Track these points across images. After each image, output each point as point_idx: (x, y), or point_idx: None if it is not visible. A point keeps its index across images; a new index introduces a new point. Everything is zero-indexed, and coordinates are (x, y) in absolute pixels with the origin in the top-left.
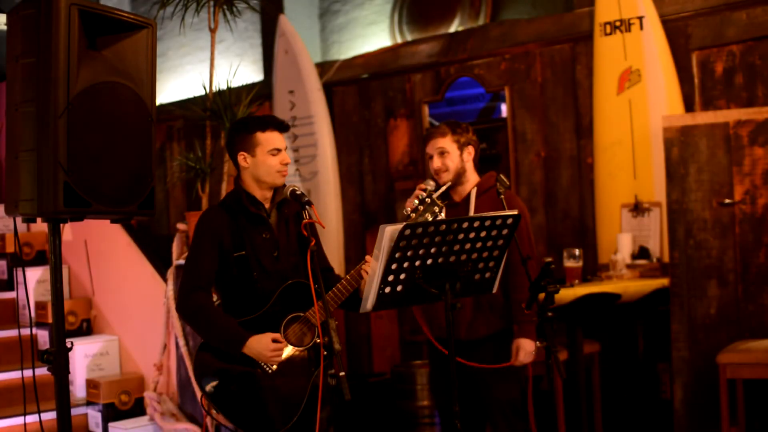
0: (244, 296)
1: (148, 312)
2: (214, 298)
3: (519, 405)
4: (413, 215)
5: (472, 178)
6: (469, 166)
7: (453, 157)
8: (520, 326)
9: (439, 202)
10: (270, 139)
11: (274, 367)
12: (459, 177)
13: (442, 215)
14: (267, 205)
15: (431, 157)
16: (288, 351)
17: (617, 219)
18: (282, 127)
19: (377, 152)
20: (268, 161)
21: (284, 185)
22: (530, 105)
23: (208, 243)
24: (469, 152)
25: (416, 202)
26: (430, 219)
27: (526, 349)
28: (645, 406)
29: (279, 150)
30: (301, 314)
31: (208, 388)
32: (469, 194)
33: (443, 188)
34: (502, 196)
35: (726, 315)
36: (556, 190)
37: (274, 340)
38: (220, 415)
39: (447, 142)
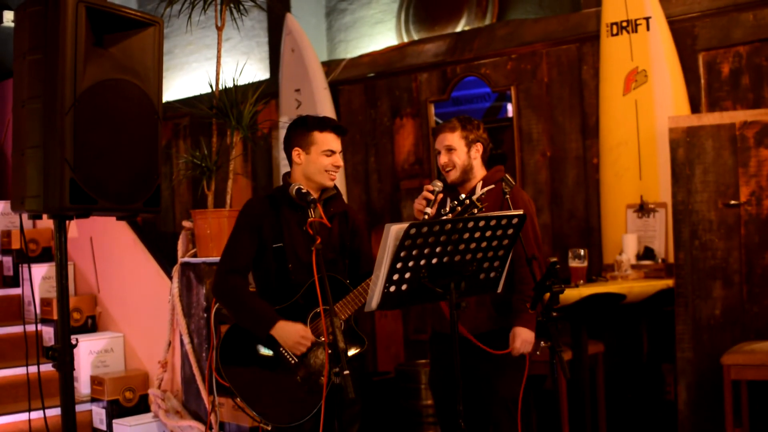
0: (277, 287)
1: (153, 309)
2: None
3: (519, 402)
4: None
5: (479, 174)
6: (477, 163)
7: (460, 154)
8: (519, 316)
9: (479, 204)
10: (326, 139)
11: (295, 359)
12: (466, 174)
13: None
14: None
15: (439, 153)
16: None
17: (622, 219)
18: (340, 130)
19: (383, 151)
20: (320, 160)
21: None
22: (536, 105)
23: (246, 230)
24: (477, 149)
25: (456, 202)
26: None
27: (522, 337)
28: (649, 406)
29: (333, 152)
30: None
31: (230, 369)
32: (474, 189)
33: (477, 195)
34: (508, 196)
35: (731, 316)
36: (561, 190)
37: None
38: (230, 388)
39: (455, 139)
